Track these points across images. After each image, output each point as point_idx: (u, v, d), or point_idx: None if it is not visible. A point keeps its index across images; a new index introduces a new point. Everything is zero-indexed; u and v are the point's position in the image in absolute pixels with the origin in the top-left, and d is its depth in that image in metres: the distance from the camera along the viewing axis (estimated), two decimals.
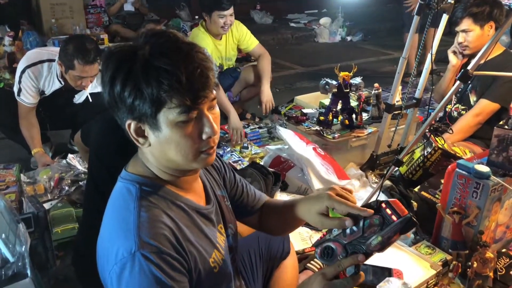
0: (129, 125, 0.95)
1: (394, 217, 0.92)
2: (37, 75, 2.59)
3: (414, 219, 0.92)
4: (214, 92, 0.95)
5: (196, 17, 6.09)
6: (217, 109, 0.98)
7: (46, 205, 2.17)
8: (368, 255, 0.94)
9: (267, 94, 3.24)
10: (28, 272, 1.20)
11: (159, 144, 0.94)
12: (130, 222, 0.92)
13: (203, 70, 0.90)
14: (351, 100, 2.71)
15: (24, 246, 1.22)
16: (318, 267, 1.76)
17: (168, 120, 0.90)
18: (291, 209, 1.17)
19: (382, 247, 0.93)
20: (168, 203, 0.99)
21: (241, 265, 1.42)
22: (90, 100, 2.68)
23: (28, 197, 2.04)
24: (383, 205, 0.94)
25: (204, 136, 0.94)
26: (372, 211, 0.94)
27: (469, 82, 2.42)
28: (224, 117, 3.02)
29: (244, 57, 4.09)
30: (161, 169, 1.00)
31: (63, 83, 2.64)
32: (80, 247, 1.72)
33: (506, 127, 1.73)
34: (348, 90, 2.61)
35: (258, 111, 3.42)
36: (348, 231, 0.95)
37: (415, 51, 2.51)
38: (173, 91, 0.87)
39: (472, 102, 2.53)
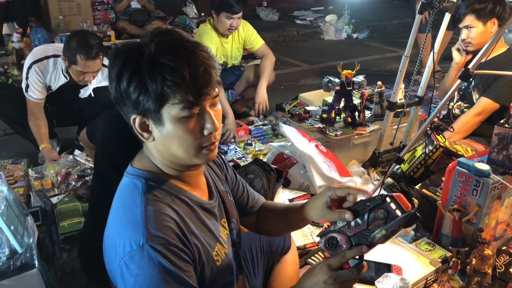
0: (134, 120, 0.98)
1: (398, 212, 0.94)
2: (43, 71, 2.63)
3: (418, 214, 0.94)
4: (217, 90, 0.98)
5: (203, 14, 6.11)
6: (219, 106, 1.01)
7: (53, 200, 2.21)
8: (371, 246, 0.96)
9: (261, 95, 3.25)
10: (36, 263, 1.23)
11: (162, 139, 0.97)
12: (137, 215, 0.95)
13: (206, 68, 0.93)
14: (354, 98, 2.72)
15: (32, 238, 1.26)
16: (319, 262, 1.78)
17: (171, 115, 0.93)
18: (298, 211, 1.21)
19: (385, 239, 0.95)
20: (173, 197, 1.02)
21: (243, 259, 1.45)
22: (92, 95, 2.72)
23: (36, 191, 2.08)
24: (388, 199, 0.95)
25: (205, 132, 0.97)
26: (371, 193, 0.98)
27: (471, 80, 2.43)
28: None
29: (250, 54, 4.10)
30: (166, 164, 1.03)
31: (68, 78, 2.68)
32: (86, 240, 1.76)
33: (506, 125, 1.74)
34: (350, 88, 2.63)
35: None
36: (353, 223, 0.97)
37: (428, 50, 2.51)
38: (177, 87, 0.91)
39: (474, 100, 2.53)
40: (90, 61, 2.49)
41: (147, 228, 0.93)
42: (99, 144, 1.70)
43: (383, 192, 2.12)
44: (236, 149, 2.95)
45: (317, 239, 1.95)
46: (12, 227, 1.20)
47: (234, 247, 1.21)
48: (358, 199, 1.04)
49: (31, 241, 1.25)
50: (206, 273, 1.02)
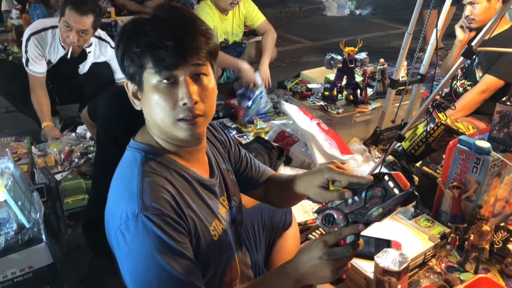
0: (127, 85, 1.03)
1: (396, 190, 0.93)
2: (41, 42, 2.63)
3: (416, 193, 0.93)
4: (199, 62, 0.96)
5: None
6: (206, 82, 1.00)
7: (57, 177, 2.23)
8: (368, 224, 0.96)
9: (264, 71, 3.23)
10: (43, 237, 1.26)
11: (145, 106, 1.01)
12: (134, 186, 0.97)
13: (182, 38, 0.94)
14: (356, 76, 2.71)
15: (39, 213, 1.28)
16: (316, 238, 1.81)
17: (148, 81, 0.97)
18: (292, 183, 1.21)
19: (382, 218, 0.95)
20: (170, 171, 1.03)
21: (245, 235, 1.48)
22: (85, 70, 2.68)
23: (40, 169, 2.10)
24: (386, 177, 0.95)
25: (180, 102, 0.96)
26: (372, 178, 0.97)
27: (475, 57, 2.41)
28: None
29: (251, 31, 4.06)
30: (162, 138, 1.05)
31: (66, 48, 2.67)
32: (90, 216, 1.78)
33: (508, 103, 1.74)
34: (353, 65, 2.62)
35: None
36: (350, 201, 0.97)
37: (432, 27, 2.48)
38: (150, 53, 0.94)
39: (478, 78, 2.52)
40: (77, 15, 2.47)
41: (142, 199, 0.94)
42: (101, 123, 1.70)
43: (383, 169, 2.14)
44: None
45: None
46: (19, 203, 1.23)
47: (234, 225, 1.23)
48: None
49: (38, 216, 1.28)
50: (202, 246, 1.03)
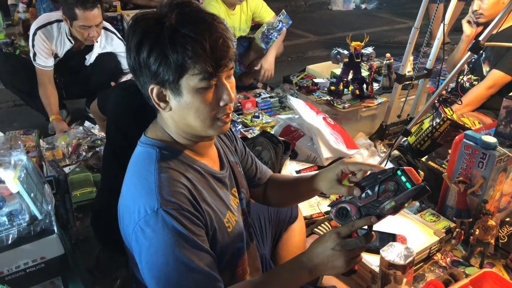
0: (152, 89, 0.99)
1: (408, 185, 0.96)
2: (48, 36, 2.65)
3: (427, 187, 0.96)
4: (233, 62, 1.00)
5: None
6: (233, 79, 1.04)
7: (65, 170, 2.26)
8: (380, 217, 0.99)
9: (269, 62, 3.24)
10: (55, 228, 1.29)
11: (179, 109, 1.00)
12: (151, 182, 0.98)
13: (225, 40, 0.95)
14: (362, 70, 2.71)
15: (50, 205, 1.30)
16: (326, 232, 1.83)
17: (190, 86, 0.96)
18: (308, 181, 1.23)
19: (394, 211, 0.98)
20: (185, 166, 1.05)
21: (251, 228, 1.50)
22: (92, 61, 2.69)
23: (49, 161, 2.12)
24: (399, 172, 0.98)
25: (221, 103, 0.99)
26: (383, 166, 1.01)
27: (482, 52, 2.40)
28: None
29: (258, 25, 4.06)
30: (179, 134, 1.06)
31: (73, 42, 2.70)
32: (99, 209, 1.81)
33: None
34: (359, 60, 2.61)
35: (269, 80, 3.43)
36: (363, 194, 1.00)
37: (439, 21, 2.47)
38: (197, 58, 0.92)
39: (485, 73, 2.51)
40: (89, 11, 2.49)
41: (161, 194, 0.96)
42: (111, 117, 1.72)
43: (389, 164, 2.14)
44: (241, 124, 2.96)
45: (323, 209, 1.99)
46: (32, 195, 1.25)
47: (244, 216, 1.25)
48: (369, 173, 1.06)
49: (49, 208, 1.30)
50: (218, 238, 1.06)
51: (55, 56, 2.74)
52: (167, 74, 0.95)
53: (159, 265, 0.95)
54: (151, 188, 0.97)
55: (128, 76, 2.88)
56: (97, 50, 2.82)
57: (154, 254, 0.95)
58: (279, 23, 3.27)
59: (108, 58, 2.87)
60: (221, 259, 1.08)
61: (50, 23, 2.67)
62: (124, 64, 2.90)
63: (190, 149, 1.08)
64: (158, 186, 0.97)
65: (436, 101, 2.02)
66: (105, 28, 2.81)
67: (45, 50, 2.66)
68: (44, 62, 2.67)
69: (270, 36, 3.25)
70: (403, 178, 0.97)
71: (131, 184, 1.03)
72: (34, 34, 2.64)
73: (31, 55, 2.67)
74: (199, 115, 0.99)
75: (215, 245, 1.05)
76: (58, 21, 2.67)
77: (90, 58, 2.86)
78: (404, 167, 0.98)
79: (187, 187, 1.00)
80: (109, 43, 2.84)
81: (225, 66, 0.96)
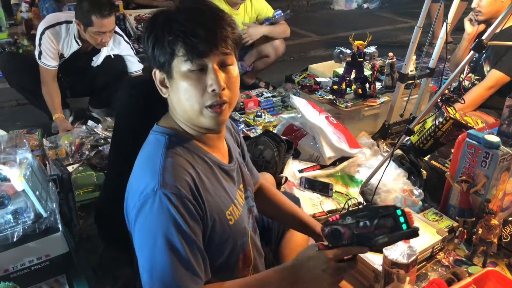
0: (155, 73, 1.06)
1: (404, 226, 1.01)
2: (56, 36, 2.66)
3: (418, 233, 1.03)
4: (227, 50, 1.01)
5: None
6: (231, 70, 1.05)
7: (68, 169, 2.26)
8: (371, 249, 1.04)
9: (257, 31, 3.25)
10: (60, 226, 1.29)
11: (173, 93, 1.05)
12: (156, 165, 1.01)
13: (212, 27, 0.99)
14: (365, 69, 2.71)
15: (55, 203, 1.31)
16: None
17: (178, 68, 1.00)
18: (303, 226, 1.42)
19: (384, 246, 1.05)
20: (192, 154, 1.07)
21: (257, 224, 1.51)
22: (99, 63, 2.69)
23: (53, 160, 2.13)
24: (399, 211, 1.03)
25: (208, 89, 1.00)
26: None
27: (484, 51, 2.40)
28: None
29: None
30: (186, 123, 1.08)
31: (80, 44, 2.71)
32: (102, 207, 1.81)
33: None
34: (362, 59, 2.61)
35: (272, 80, 3.43)
36: (362, 224, 1.03)
37: (441, 21, 2.48)
38: (183, 39, 0.97)
39: (485, 72, 2.51)
40: (106, 19, 2.52)
41: (163, 176, 0.98)
42: (119, 113, 1.72)
43: (392, 164, 2.14)
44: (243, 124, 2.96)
45: (326, 209, 2.00)
46: (37, 193, 1.25)
47: (250, 213, 1.26)
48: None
49: (54, 206, 1.31)
50: (217, 229, 1.07)
51: (61, 56, 2.75)
52: (161, 57, 1.01)
53: (148, 245, 0.97)
54: (155, 170, 1.00)
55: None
56: (104, 53, 2.83)
57: (145, 234, 0.97)
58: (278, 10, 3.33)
59: (115, 60, 2.89)
60: (221, 251, 1.09)
61: (59, 23, 2.68)
62: (131, 67, 2.93)
63: (199, 139, 1.10)
64: (162, 169, 1.00)
65: (438, 100, 2.02)
66: (114, 31, 2.83)
67: (51, 50, 2.67)
68: (49, 61, 2.68)
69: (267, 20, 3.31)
70: (402, 219, 1.01)
71: (138, 167, 1.07)
72: (42, 33, 2.65)
73: (37, 53, 2.68)
74: (188, 99, 1.02)
75: (214, 237, 1.06)
76: (67, 22, 2.67)
77: (98, 60, 2.87)
78: (404, 209, 1.03)
79: (191, 175, 1.02)
80: (117, 46, 2.85)
81: (210, 51, 0.99)
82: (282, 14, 3.32)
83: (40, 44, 2.65)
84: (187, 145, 1.07)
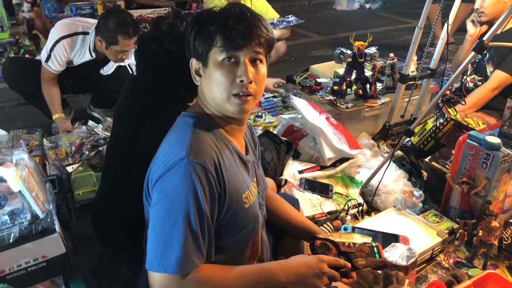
0: (192, 62, 1.17)
1: (377, 256, 1.28)
2: (71, 47, 2.67)
3: (386, 264, 1.37)
4: (260, 50, 1.11)
5: None
6: (260, 67, 1.13)
7: (68, 169, 2.26)
8: (352, 266, 1.24)
9: None
10: (56, 227, 1.29)
11: (205, 81, 1.14)
12: (185, 139, 1.09)
13: (248, 24, 1.09)
14: (365, 70, 2.70)
15: (52, 204, 1.31)
16: (328, 232, 1.83)
17: (214, 58, 1.10)
18: (285, 221, 1.47)
19: (364, 268, 1.27)
20: (217, 137, 1.15)
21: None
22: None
23: (52, 161, 2.13)
24: (374, 243, 1.29)
25: (238, 79, 1.09)
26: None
27: (486, 52, 2.39)
28: None
29: None
30: (213, 111, 1.16)
31: (94, 56, 2.71)
32: (100, 208, 1.81)
33: None
34: (362, 59, 2.60)
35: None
36: (347, 245, 1.26)
37: (440, 22, 2.47)
38: (223, 33, 1.08)
39: (488, 73, 2.49)
40: (130, 40, 2.55)
41: (192, 146, 1.06)
42: (116, 115, 1.72)
43: (392, 165, 2.13)
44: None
45: (326, 210, 1.99)
46: (33, 193, 1.25)
47: (260, 209, 1.29)
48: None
49: (51, 207, 1.30)
50: (232, 207, 1.13)
51: (69, 62, 2.75)
52: (200, 47, 1.12)
53: (163, 209, 1.03)
54: (184, 142, 1.07)
55: None
56: (116, 64, 2.84)
57: (164, 196, 1.03)
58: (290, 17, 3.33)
59: (125, 70, 2.91)
60: (231, 229, 1.14)
61: (77, 33, 2.67)
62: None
63: (223, 127, 1.17)
64: (191, 141, 1.07)
65: (439, 101, 2.01)
66: None
67: (62, 58, 2.67)
68: (55, 66, 2.69)
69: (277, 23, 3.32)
70: (375, 250, 1.28)
71: (166, 143, 1.13)
72: (58, 41, 2.63)
73: (44, 55, 2.67)
74: (218, 87, 1.10)
75: (228, 211, 1.12)
76: (85, 33, 2.68)
77: (109, 70, 2.90)
78: (377, 244, 1.29)
79: (216, 152, 1.10)
80: (130, 56, 2.86)
81: (244, 45, 1.08)
82: (293, 21, 3.33)
83: (51, 50, 2.64)
84: (213, 129, 1.15)
